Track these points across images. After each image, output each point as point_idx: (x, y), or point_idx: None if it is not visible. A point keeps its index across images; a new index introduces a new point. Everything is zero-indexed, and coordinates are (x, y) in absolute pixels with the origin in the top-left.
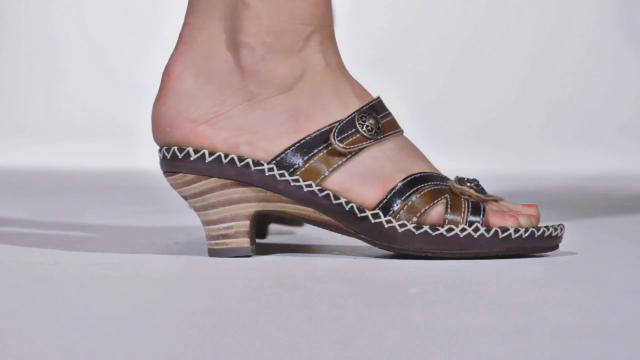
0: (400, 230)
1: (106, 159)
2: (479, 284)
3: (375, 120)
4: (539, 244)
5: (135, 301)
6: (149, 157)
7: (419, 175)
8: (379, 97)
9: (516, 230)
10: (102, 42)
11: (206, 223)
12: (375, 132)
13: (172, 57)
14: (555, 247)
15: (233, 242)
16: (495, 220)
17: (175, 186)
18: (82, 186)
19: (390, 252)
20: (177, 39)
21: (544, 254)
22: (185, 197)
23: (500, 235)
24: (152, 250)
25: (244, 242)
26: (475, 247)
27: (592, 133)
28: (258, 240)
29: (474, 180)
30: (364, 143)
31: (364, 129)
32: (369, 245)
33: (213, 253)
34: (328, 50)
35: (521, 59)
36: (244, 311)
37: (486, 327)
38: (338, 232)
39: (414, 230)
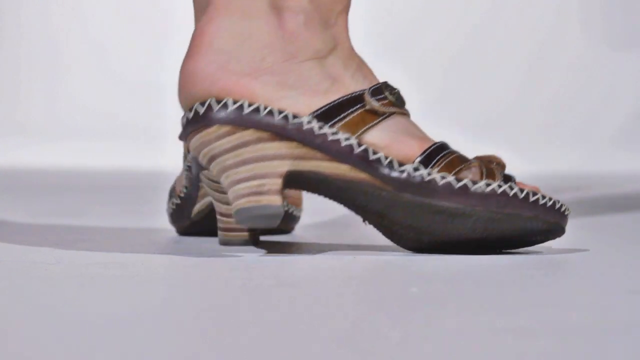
0: (440, 182)
1: (106, 158)
2: (479, 284)
3: (397, 91)
4: (556, 218)
5: (135, 301)
6: (149, 157)
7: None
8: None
9: (543, 197)
10: (102, 42)
11: (235, 183)
12: (400, 101)
13: (204, 21)
14: (563, 229)
15: (265, 200)
16: (524, 187)
17: (204, 144)
18: (82, 186)
19: (390, 253)
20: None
21: (543, 252)
22: (213, 157)
23: (531, 199)
24: (152, 250)
25: (276, 200)
26: (508, 208)
27: (593, 132)
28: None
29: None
30: (393, 108)
31: (392, 96)
32: (368, 245)
33: (243, 212)
34: (348, 33)
35: (521, 59)
36: (244, 311)
37: (486, 327)
38: (365, 210)
39: (453, 183)
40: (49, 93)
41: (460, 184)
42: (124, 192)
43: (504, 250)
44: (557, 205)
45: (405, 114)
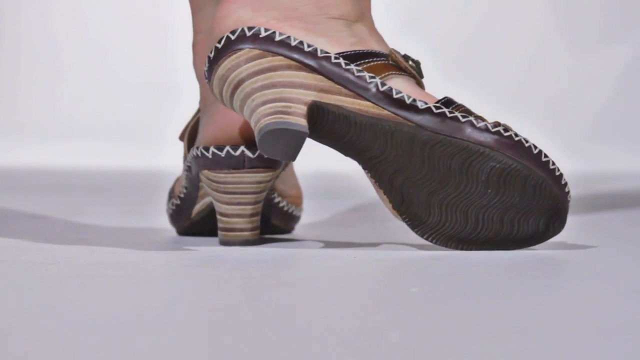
0: (463, 120)
1: (106, 158)
2: (479, 284)
3: (418, 63)
4: (561, 192)
5: (135, 301)
6: (149, 157)
7: None
8: None
9: (552, 163)
10: (102, 41)
11: (260, 104)
12: (419, 73)
13: None
14: (565, 212)
15: (291, 118)
16: None
17: (233, 68)
18: (82, 186)
19: (390, 254)
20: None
21: (544, 252)
22: (241, 81)
23: (543, 158)
24: (152, 250)
25: (302, 120)
26: (523, 158)
27: (592, 132)
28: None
29: None
30: (414, 72)
31: (413, 64)
32: (368, 245)
33: (268, 128)
34: (371, 17)
35: (521, 59)
36: (244, 311)
37: (486, 327)
38: (382, 155)
39: (475, 122)
40: (49, 93)
41: (482, 123)
42: (124, 192)
43: (503, 251)
44: (563, 181)
45: (421, 84)
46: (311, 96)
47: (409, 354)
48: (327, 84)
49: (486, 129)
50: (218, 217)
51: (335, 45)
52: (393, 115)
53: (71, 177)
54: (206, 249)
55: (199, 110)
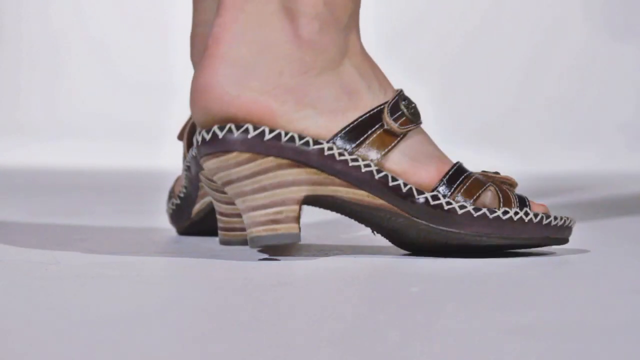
0: (460, 212)
1: (106, 158)
2: (479, 284)
3: (414, 105)
4: (565, 235)
5: (135, 301)
6: (149, 157)
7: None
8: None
9: (555, 218)
10: (102, 41)
11: (251, 209)
12: (416, 116)
13: (219, 25)
14: (567, 240)
15: (283, 228)
16: (535, 208)
17: (222, 169)
18: (82, 186)
19: (390, 254)
20: (218, 6)
21: (544, 252)
22: (230, 182)
23: (544, 222)
24: (152, 250)
25: (294, 227)
26: (524, 233)
27: (593, 132)
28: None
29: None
30: (411, 125)
31: (408, 112)
32: (368, 245)
33: (257, 241)
34: (359, 32)
35: (521, 58)
36: (244, 311)
37: (486, 327)
38: (380, 228)
39: (473, 212)
40: (49, 93)
41: (479, 213)
42: (123, 192)
43: (504, 250)
44: (567, 223)
45: (419, 126)
46: (304, 191)
47: (409, 354)
48: (321, 176)
49: (483, 218)
50: (218, 217)
51: (328, 118)
52: (389, 205)
53: (71, 177)
54: (206, 249)
55: None
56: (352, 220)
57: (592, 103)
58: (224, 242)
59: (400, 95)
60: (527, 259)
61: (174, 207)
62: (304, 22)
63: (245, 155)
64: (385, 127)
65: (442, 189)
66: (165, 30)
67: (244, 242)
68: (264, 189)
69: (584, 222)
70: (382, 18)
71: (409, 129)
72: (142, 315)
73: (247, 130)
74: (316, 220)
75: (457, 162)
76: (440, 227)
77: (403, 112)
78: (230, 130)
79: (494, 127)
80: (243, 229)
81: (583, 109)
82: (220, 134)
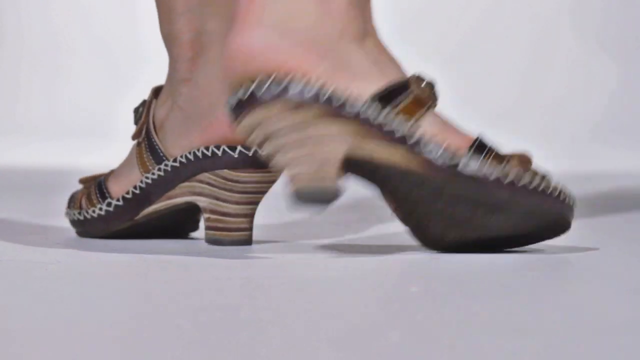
0: (492, 177)
1: (106, 158)
2: (479, 284)
3: (433, 84)
4: (570, 216)
5: (135, 301)
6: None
7: None
8: None
9: (564, 194)
10: (103, 41)
11: (293, 163)
12: (435, 95)
13: None
14: (568, 225)
15: (325, 183)
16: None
17: (262, 121)
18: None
19: (390, 254)
20: None
21: (544, 252)
22: (270, 135)
23: (561, 197)
24: (151, 251)
25: (335, 183)
26: (546, 204)
27: (593, 132)
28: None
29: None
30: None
31: (428, 87)
32: (368, 245)
33: (302, 193)
34: (373, 22)
35: (521, 58)
36: (244, 311)
37: (486, 327)
38: (405, 200)
39: (502, 178)
40: (49, 93)
41: (509, 178)
42: None
43: (504, 250)
44: (572, 203)
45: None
46: (345, 147)
47: (409, 354)
48: (363, 128)
49: (512, 185)
50: (215, 217)
51: (359, 84)
52: (423, 167)
53: (71, 177)
54: (206, 249)
55: (146, 101)
56: (352, 220)
57: (592, 103)
58: (214, 242)
59: (419, 75)
60: (528, 259)
61: (111, 209)
62: None
63: (289, 105)
64: (415, 93)
65: (474, 154)
66: None
67: (233, 243)
68: (305, 141)
69: (584, 221)
70: (379, 15)
71: (433, 100)
72: (142, 314)
73: (289, 83)
74: (316, 220)
75: (479, 135)
76: (471, 191)
77: (425, 87)
78: (271, 84)
79: (493, 127)
80: (245, 229)
81: (583, 109)
82: (263, 87)
